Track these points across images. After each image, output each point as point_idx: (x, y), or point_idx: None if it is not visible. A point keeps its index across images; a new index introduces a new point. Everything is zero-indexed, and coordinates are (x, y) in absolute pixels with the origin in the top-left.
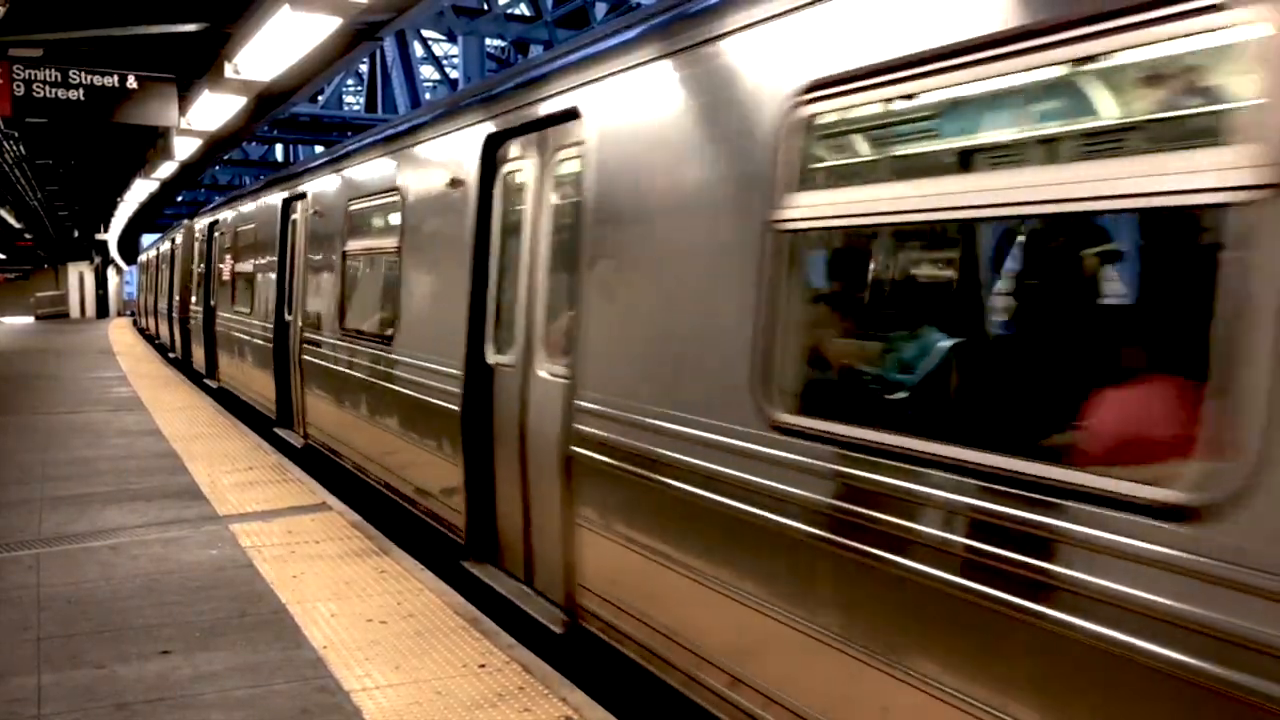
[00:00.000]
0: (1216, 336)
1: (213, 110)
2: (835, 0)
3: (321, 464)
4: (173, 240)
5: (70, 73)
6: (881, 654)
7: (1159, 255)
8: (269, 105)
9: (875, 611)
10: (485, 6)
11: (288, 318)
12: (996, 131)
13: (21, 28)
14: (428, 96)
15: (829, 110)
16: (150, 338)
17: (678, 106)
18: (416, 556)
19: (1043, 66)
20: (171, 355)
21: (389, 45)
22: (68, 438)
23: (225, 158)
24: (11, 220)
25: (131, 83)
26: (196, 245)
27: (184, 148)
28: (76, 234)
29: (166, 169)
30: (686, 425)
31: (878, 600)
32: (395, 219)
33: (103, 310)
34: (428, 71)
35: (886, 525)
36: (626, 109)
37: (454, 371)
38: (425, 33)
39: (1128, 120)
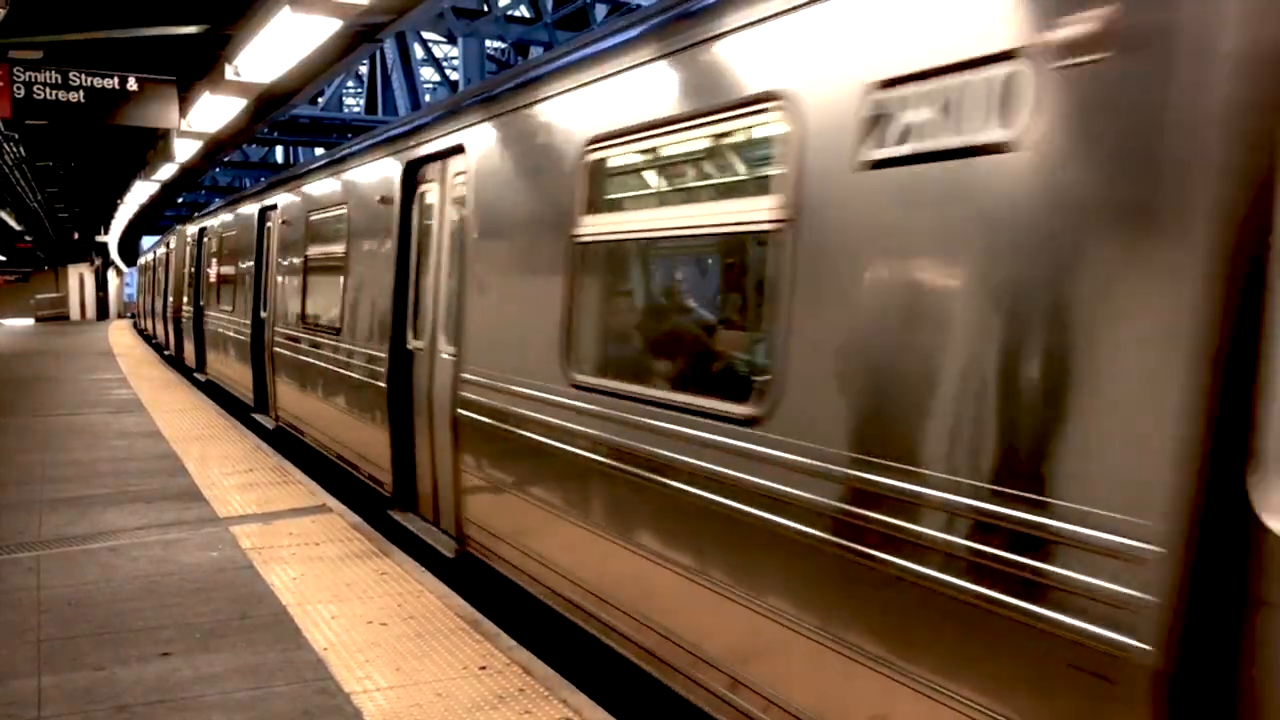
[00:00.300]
0: (762, 315)
1: (213, 112)
2: (607, 80)
3: (290, 442)
4: (167, 244)
5: (70, 75)
6: (621, 532)
7: (749, 264)
8: (269, 107)
9: (615, 503)
10: (485, 8)
11: (263, 315)
12: (673, 179)
13: (22, 29)
14: (428, 98)
15: (601, 157)
16: (148, 338)
17: (522, 147)
18: (357, 511)
19: (690, 140)
20: (166, 353)
21: (389, 47)
22: (68, 439)
23: (225, 160)
24: (12, 222)
25: (132, 85)
26: (188, 249)
27: (184, 149)
28: (77, 236)
29: (167, 171)
30: (526, 387)
31: (613, 494)
32: (343, 229)
33: (103, 312)
34: (428, 73)
35: (622, 446)
36: (492, 146)
37: (383, 355)
38: (425, 34)
39: (733, 176)
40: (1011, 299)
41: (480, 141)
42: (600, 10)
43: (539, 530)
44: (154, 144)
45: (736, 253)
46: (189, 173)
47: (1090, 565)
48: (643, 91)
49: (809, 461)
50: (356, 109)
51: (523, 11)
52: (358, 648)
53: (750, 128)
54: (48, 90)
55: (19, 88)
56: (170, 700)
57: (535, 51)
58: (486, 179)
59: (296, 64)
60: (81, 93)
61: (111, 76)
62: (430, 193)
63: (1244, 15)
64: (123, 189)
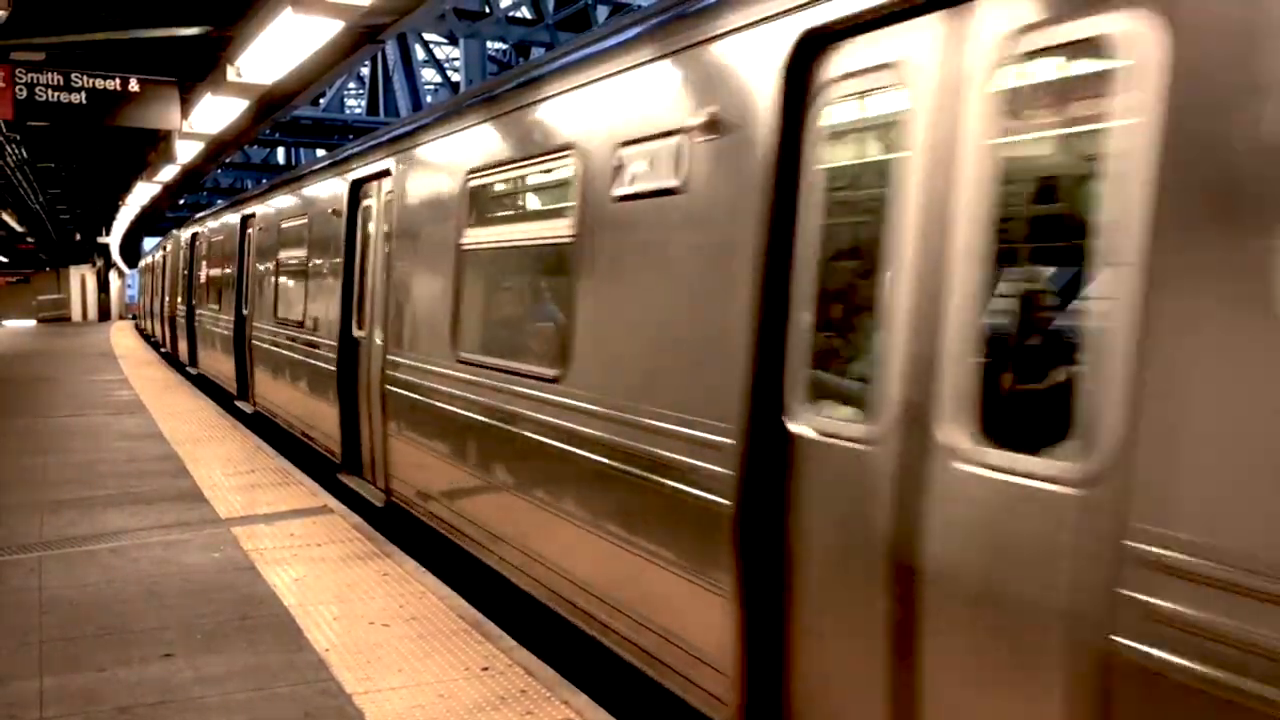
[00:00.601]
0: (562, 305)
1: (214, 113)
2: (479, 125)
3: (266, 425)
4: (164, 248)
5: (72, 76)
6: (487, 470)
7: (558, 268)
8: (271, 108)
9: (483, 448)
10: (487, 9)
11: (244, 312)
12: (518, 203)
13: (24, 31)
14: (429, 99)
15: (477, 185)
16: (147, 336)
17: (428, 173)
18: (314, 476)
19: (527, 175)
20: (163, 350)
21: (390, 48)
22: (69, 441)
23: (227, 161)
24: (14, 224)
25: (133, 86)
26: (181, 253)
27: (186, 151)
28: (78, 237)
29: (168, 172)
30: (429, 364)
31: (482, 441)
32: (305, 236)
33: (104, 314)
34: (429, 74)
35: (488, 403)
36: (408, 171)
37: (333, 344)
38: (427, 36)
39: (550, 203)
40: (679, 293)
41: (400, 166)
42: (602, 11)
43: (436, 476)
44: (155, 145)
45: (552, 260)
46: (191, 174)
47: (705, 455)
48: (500, 137)
49: (582, 405)
50: (358, 110)
51: (524, 13)
52: (360, 649)
53: (559, 169)
54: (49, 92)
55: (21, 89)
56: (172, 701)
57: (537, 52)
58: (404, 197)
59: (298, 65)
60: (83, 94)
61: (113, 78)
62: (370, 207)
63: (773, 120)
64: (124, 190)
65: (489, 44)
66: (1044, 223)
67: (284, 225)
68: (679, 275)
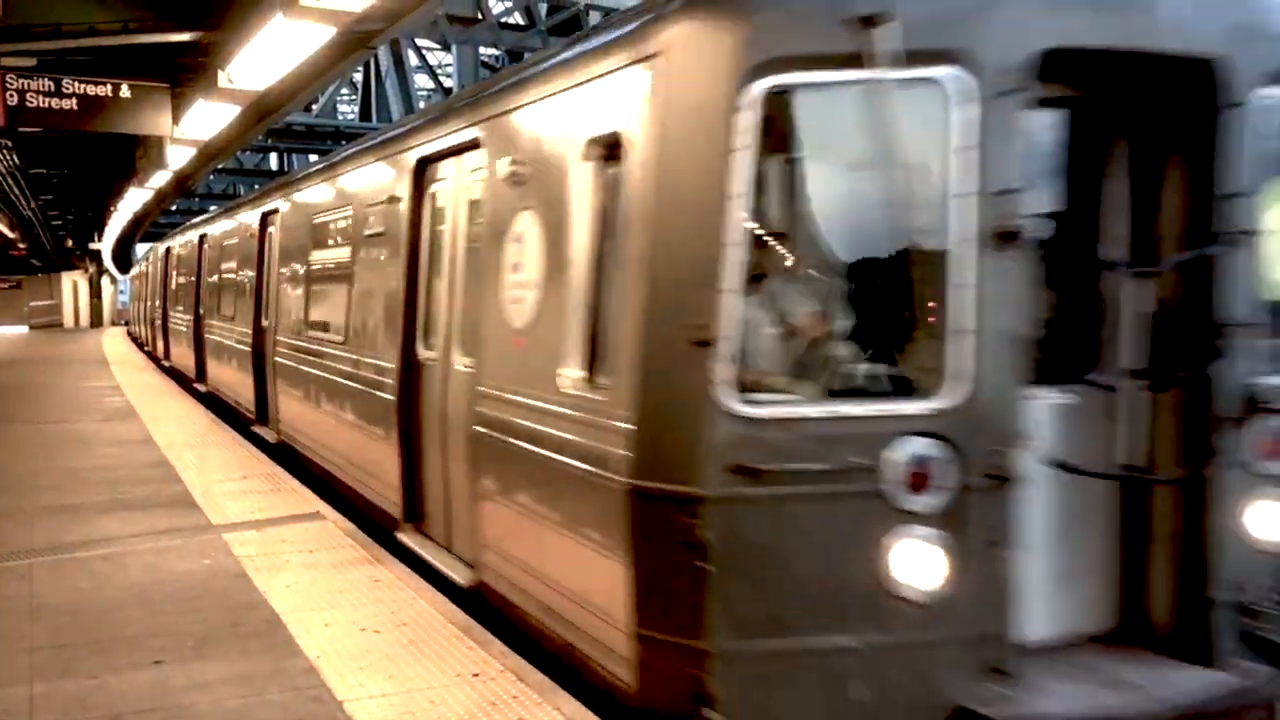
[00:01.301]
0: (345, 295)
1: (206, 119)
2: (318, 184)
3: (215, 402)
4: (148, 259)
5: (63, 82)
6: (313, 399)
7: (352, 276)
8: (263, 114)
9: (308, 384)
10: (480, 15)
11: (201, 312)
12: (332, 237)
13: (14, 37)
14: (421, 105)
15: (318, 222)
16: (135, 340)
17: (295, 214)
18: (246, 436)
19: (336, 217)
20: (146, 349)
21: (383, 54)
22: (61, 447)
23: (219, 166)
24: (6, 230)
25: (125, 92)
26: (159, 264)
27: (177, 157)
28: (70, 243)
29: (160, 178)
30: (293, 338)
31: (308, 380)
32: (238, 251)
33: (96, 320)
34: (422, 80)
35: (316, 361)
36: (287, 211)
37: (249, 332)
38: (420, 41)
39: (343, 238)
40: (384, 290)
41: (283, 206)
42: (594, 16)
43: (297, 414)
44: (146, 151)
45: (345, 272)
46: (183, 180)
47: (387, 374)
48: (325, 194)
49: (350, 355)
50: (351, 116)
51: (517, 19)
52: (351, 655)
53: (348, 218)
54: (41, 98)
55: (12, 95)
56: (163, 708)
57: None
58: (284, 228)
59: (290, 71)
60: (74, 100)
61: (104, 84)
62: (272, 231)
63: (410, 199)
64: (116, 196)
65: (482, 50)
66: (477, 258)
67: (225, 243)
68: (384, 280)
